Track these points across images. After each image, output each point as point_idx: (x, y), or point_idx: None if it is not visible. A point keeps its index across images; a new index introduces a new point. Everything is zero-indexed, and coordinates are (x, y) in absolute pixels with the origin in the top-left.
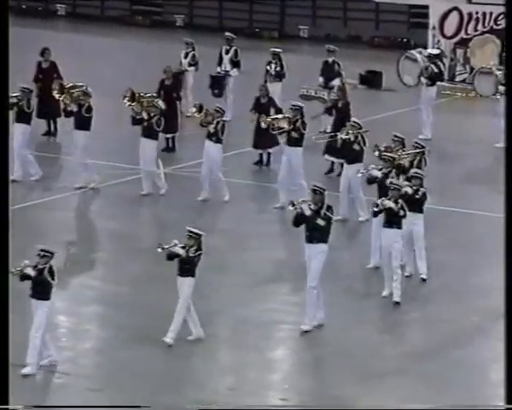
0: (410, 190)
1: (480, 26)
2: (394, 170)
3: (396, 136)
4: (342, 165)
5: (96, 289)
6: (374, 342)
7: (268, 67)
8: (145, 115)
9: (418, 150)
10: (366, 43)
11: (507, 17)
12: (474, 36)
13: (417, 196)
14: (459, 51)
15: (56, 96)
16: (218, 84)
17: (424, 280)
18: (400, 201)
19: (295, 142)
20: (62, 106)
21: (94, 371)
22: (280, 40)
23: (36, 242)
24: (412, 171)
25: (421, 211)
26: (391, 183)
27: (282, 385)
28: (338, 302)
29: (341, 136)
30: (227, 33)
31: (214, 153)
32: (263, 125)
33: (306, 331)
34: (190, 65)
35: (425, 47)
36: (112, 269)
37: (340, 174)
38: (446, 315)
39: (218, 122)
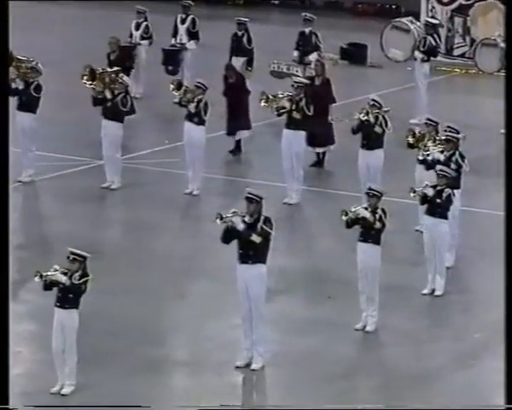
0: (431, 192)
1: None
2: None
3: (430, 119)
4: (324, 154)
5: (28, 302)
6: (357, 363)
7: (233, 40)
8: (108, 94)
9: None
10: (348, 11)
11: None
12: (475, 1)
13: (439, 200)
14: (457, 20)
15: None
16: (172, 59)
17: (438, 296)
18: (379, 211)
19: (297, 124)
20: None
21: (25, 401)
22: (246, 7)
23: None
24: (438, 168)
25: (443, 217)
26: (369, 188)
27: None
28: (316, 316)
29: (359, 116)
30: None
31: (197, 137)
32: (262, 103)
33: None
34: (143, 38)
35: (417, 15)
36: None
37: (317, 164)
38: (446, 331)
39: (199, 100)
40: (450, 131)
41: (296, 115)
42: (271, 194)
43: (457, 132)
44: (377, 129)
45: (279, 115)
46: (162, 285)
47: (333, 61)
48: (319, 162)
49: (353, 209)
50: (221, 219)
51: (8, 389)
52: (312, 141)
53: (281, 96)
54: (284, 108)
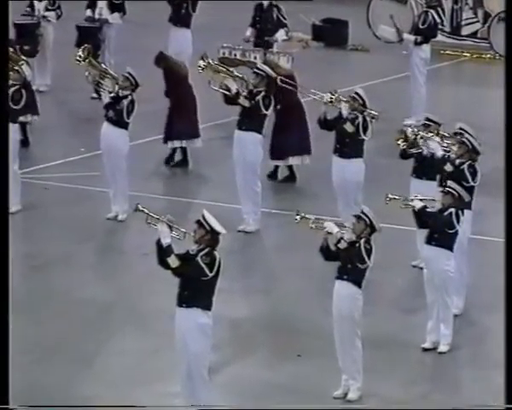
0: (419, 205)
1: None
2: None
3: (430, 119)
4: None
5: None
6: None
7: (172, 11)
8: None
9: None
10: None
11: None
12: None
13: (437, 223)
14: None
15: None
16: (89, 38)
17: (442, 353)
18: (362, 241)
19: (251, 124)
20: None
21: None
22: None
23: None
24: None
25: (447, 246)
26: (362, 211)
27: None
28: (281, 380)
29: (326, 98)
30: None
31: (117, 142)
32: (201, 63)
33: None
34: (48, 10)
35: None
36: None
37: (287, 178)
38: (453, 399)
39: (123, 96)
40: (461, 134)
41: (244, 102)
42: (223, 218)
43: (472, 137)
44: (349, 127)
45: (217, 90)
46: (74, 340)
47: (303, 42)
48: (292, 176)
49: (316, 217)
50: (139, 210)
51: (8, 389)
52: (279, 151)
53: (229, 73)
54: (228, 89)
